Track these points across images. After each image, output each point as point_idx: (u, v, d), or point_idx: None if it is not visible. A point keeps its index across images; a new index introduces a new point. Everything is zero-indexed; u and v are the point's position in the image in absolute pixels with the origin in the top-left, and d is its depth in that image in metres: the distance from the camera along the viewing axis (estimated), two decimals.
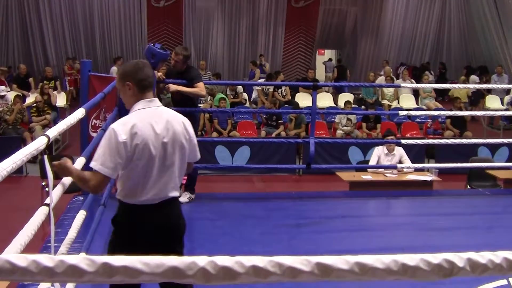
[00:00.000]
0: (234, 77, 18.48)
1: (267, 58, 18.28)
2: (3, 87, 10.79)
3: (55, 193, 2.92)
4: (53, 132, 2.79)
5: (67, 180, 3.21)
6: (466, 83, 14.21)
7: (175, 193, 2.79)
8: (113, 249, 2.78)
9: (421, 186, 6.60)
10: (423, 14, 19.65)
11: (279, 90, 12.34)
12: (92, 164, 2.61)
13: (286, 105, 11.79)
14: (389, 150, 6.81)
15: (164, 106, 2.96)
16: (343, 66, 17.46)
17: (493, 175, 7.01)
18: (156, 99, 2.81)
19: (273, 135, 9.87)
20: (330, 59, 19.99)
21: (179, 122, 2.79)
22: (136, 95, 2.73)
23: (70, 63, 15.72)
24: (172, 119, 2.76)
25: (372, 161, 6.87)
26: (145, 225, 2.71)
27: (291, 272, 1.11)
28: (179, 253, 2.84)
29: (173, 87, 5.47)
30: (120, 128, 2.60)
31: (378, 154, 6.85)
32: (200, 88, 5.52)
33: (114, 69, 14.20)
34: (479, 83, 14.92)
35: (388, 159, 6.78)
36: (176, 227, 2.83)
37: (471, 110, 12.80)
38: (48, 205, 2.73)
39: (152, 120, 2.67)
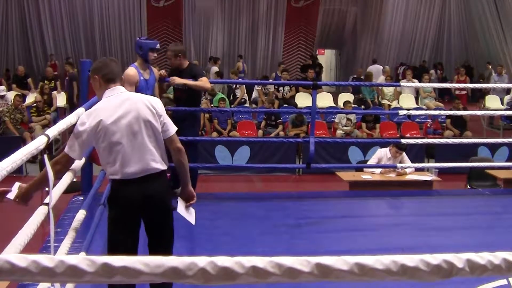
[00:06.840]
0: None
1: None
2: (2, 87, 10.80)
3: (54, 193, 2.92)
4: (53, 131, 2.81)
5: (66, 180, 3.21)
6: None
7: (157, 165, 2.96)
8: (110, 228, 3.00)
9: (421, 186, 6.58)
10: (423, 14, 19.64)
11: (282, 90, 12.23)
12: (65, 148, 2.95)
13: (285, 105, 11.75)
14: (394, 156, 6.59)
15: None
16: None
17: (493, 175, 7.00)
18: (119, 87, 3.05)
19: (272, 135, 9.84)
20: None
21: (143, 101, 3.00)
22: (102, 86, 3.03)
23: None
24: (136, 100, 3.00)
25: (372, 162, 6.79)
26: (130, 198, 2.92)
27: (291, 273, 1.11)
28: (170, 226, 3.07)
29: (178, 80, 5.55)
30: (84, 117, 2.94)
31: (380, 156, 6.70)
32: (204, 81, 5.62)
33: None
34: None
35: (390, 163, 6.68)
36: (161, 200, 3.01)
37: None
38: (47, 204, 2.73)
39: (115, 104, 2.93)
